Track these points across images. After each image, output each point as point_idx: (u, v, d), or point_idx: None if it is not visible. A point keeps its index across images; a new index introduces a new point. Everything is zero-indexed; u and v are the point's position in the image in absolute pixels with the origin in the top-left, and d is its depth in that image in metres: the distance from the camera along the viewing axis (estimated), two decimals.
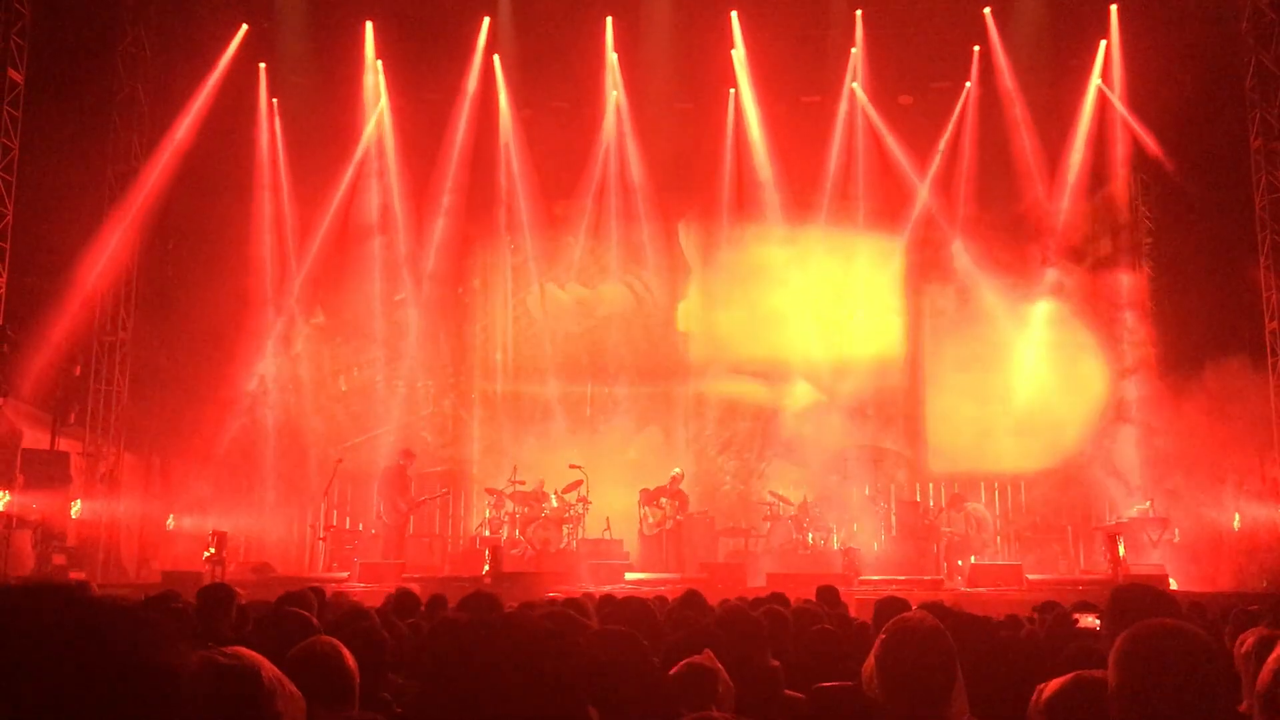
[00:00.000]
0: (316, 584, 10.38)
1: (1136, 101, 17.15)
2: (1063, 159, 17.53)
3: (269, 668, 2.40)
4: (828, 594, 7.46)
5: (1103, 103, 17.58)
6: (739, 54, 18.13)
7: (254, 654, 2.42)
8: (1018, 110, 17.42)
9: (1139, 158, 17.45)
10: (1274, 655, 2.48)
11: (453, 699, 1.90)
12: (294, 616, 4.28)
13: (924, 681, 2.92)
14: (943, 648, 2.97)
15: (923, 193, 18.15)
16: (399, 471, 15.95)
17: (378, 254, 18.80)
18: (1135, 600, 3.19)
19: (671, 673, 3.26)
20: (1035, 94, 17.46)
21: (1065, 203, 17.57)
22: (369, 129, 18.64)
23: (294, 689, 2.47)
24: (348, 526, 16.82)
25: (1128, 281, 17.96)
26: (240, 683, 2.33)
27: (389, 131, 18.71)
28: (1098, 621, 4.76)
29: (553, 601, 7.08)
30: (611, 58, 18.28)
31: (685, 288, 19.17)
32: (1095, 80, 17.55)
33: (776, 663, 4.05)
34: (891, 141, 18.09)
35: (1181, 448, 16.07)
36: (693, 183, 18.63)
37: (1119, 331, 17.82)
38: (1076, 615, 4.77)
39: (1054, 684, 2.88)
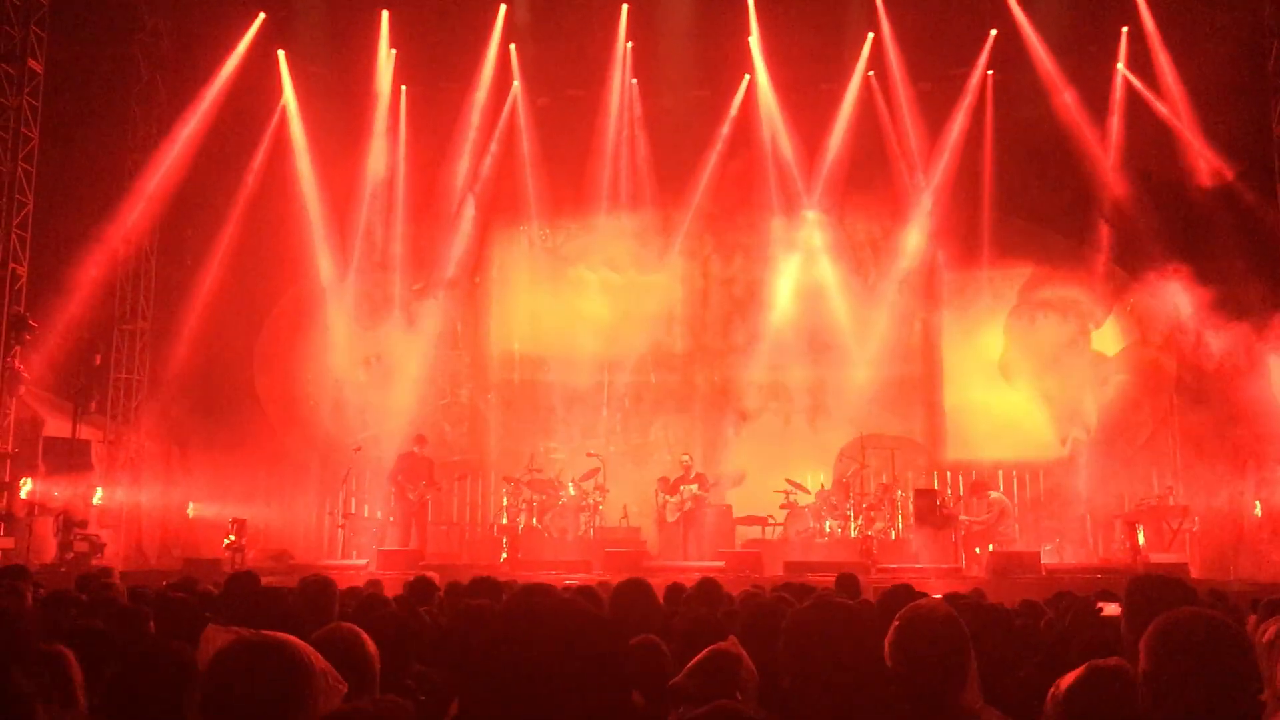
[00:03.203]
0: (334, 571, 10.42)
1: (1161, 86, 16.96)
2: (1082, 145, 17.32)
3: (308, 652, 2.39)
4: (848, 582, 7.43)
5: (1125, 87, 17.39)
6: (755, 40, 18.05)
7: (294, 638, 2.42)
8: (1048, 96, 17.24)
9: (1159, 144, 17.26)
10: None
11: (496, 688, 1.89)
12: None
13: (937, 668, 2.92)
14: (956, 635, 2.98)
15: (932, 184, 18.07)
16: (413, 458, 16.02)
17: (400, 243, 18.82)
18: (1154, 590, 3.18)
19: (696, 660, 3.26)
20: (1054, 78, 17.27)
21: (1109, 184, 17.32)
22: (384, 117, 18.62)
23: (336, 681, 2.45)
24: (366, 514, 16.90)
25: (1145, 268, 17.81)
26: (279, 665, 2.32)
27: (404, 120, 18.70)
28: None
29: (568, 589, 7.08)
30: (626, 45, 18.24)
31: (703, 274, 19.12)
32: (1123, 71, 17.36)
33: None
34: (909, 127, 17.96)
35: (1202, 434, 15.97)
36: (710, 169, 18.53)
37: (1137, 317, 17.69)
38: (1101, 605, 4.75)
39: (1069, 677, 2.88)
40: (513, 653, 1.87)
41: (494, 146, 18.66)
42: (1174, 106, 16.64)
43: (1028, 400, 17.81)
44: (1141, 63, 17.14)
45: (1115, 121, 17.24)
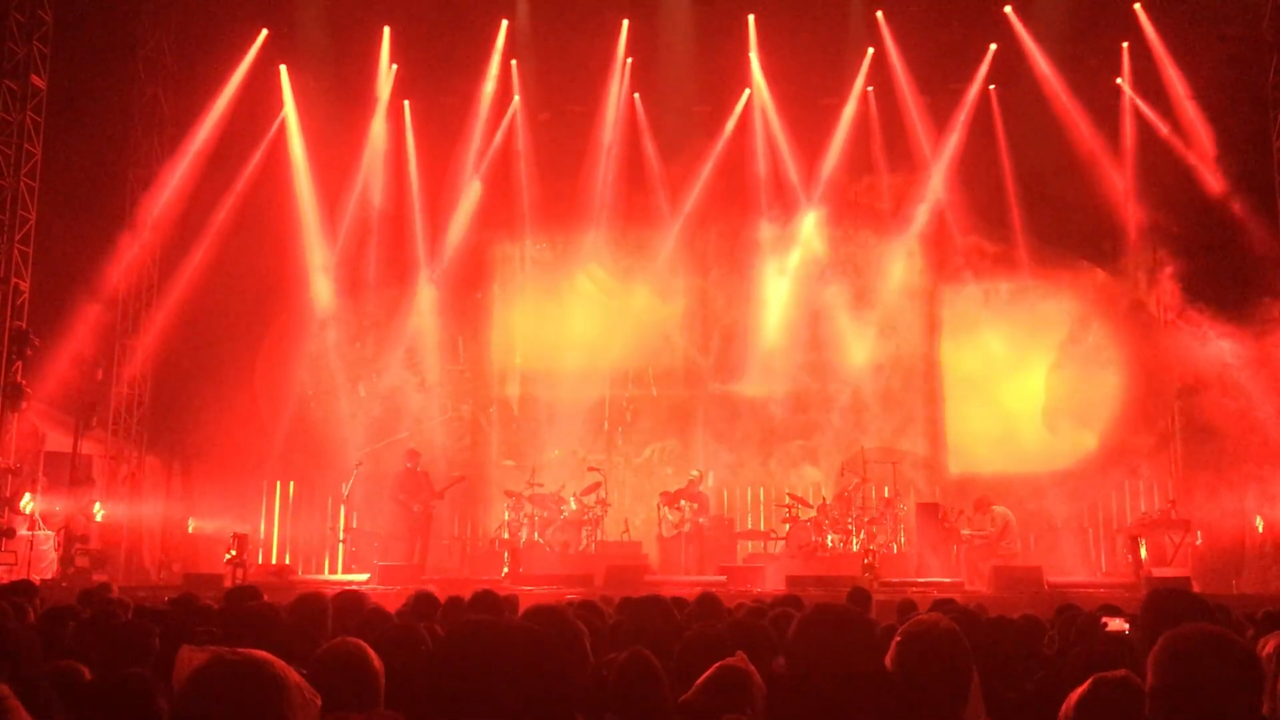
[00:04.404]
0: (335, 586, 10.41)
1: (1156, 100, 17.03)
2: (1083, 157, 17.36)
3: (283, 669, 2.41)
4: (859, 597, 7.39)
5: (1124, 102, 17.46)
6: (755, 57, 18.14)
7: (268, 655, 2.43)
8: (1040, 108, 17.30)
9: (1158, 157, 17.30)
10: None
11: (454, 701, 1.94)
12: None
13: (939, 683, 2.92)
14: (958, 650, 2.97)
15: (936, 190, 18.09)
16: (407, 474, 16.04)
17: (420, 261, 18.81)
18: (1171, 605, 3.19)
19: (705, 676, 3.25)
20: (1055, 91, 17.33)
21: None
22: (382, 132, 18.67)
23: (312, 695, 2.47)
24: (367, 530, 16.89)
25: (1147, 283, 17.85)
26: (253, 682, 2.33)
27: (411, 134, 18.76)
28: (1127, 625, 4.74)
29: (570, 604, 7.07)
30: (627, 61, 18.30)
31: (704, 288, 19.13)
32: (1125, 85, 17.42)
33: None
34: (920, 137, 18.01)
35: (1203, 448, 15.96)
36: (710, 184, 18.59)
37: (1138, 331, 17.70)
38: (1105, 619, 4.76)
39: (1076, 693, 2.88)
40: (467, 669, 1.92)
41: (489, 157, 18.71)
42: (1177, 122, 16.71)
43: (1031, 413, 17.79)
44: (1142, 77, 17.21)
45: (1128, 138, 17.27)
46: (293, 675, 2.38)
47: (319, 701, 2.47)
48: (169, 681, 3.47)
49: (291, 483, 17.95)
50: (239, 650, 2.40)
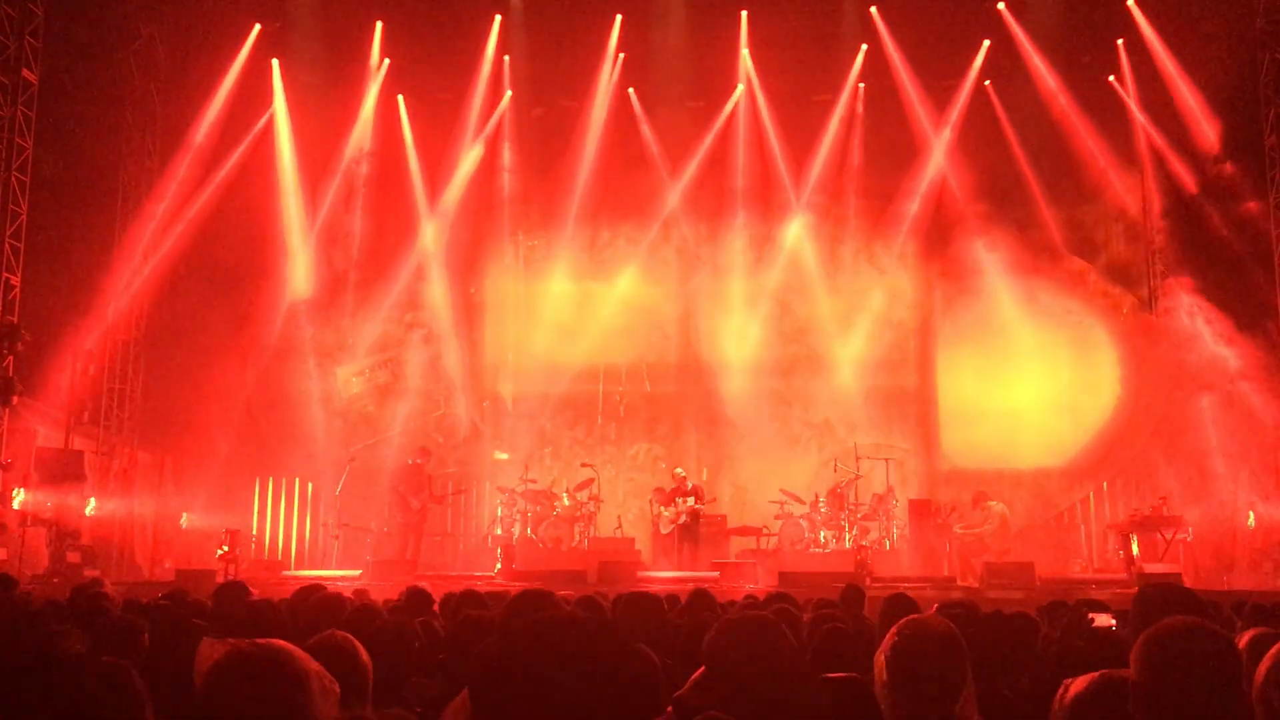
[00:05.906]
0: (325, 582, 10.37)
1: (1151, 98, 17.07)
2: (1077, 155, 17.40)
3: (303, 658, 2.40)
4: (852, 594, 7.36)
5: (1117, 100, 17.50)
6: (747, 53, 18.12)
7: (288, 645, 2.42)
8: (1031, 105, 17.34)
9: (1153, 155, 17.34)
10: (1269, 657, 2.52)
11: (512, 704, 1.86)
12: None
13: (934, 682, 2.91)
14: (954, 649, 2.96)
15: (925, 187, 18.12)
16: (415, 470, 15.98)
17: (415, 254, 18.78)
18: (1162, 600, 3.18)
19: (699, 672, 3.25)
20: (1049, 89, 17.36)
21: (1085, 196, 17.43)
22: (370, 128, 18.63)
23: (331, 683, 2.46)
24: (359, 525, 16.85)
25: (1143, 279, 17.90)
26: (275, 673, 2.32)
27: (406, 129, 18.71)
28: (1113, 621, 4.74)
29: (567, 599, 7.07)
30: (620, 56, 18.27)
31: (696, 284, 19.12)
32: (1120, 86, 17.46)
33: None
34: (907, 133, 18.00)
35: (1196, 445, 16.01)
36: (703, 179, 18.59)
37: (1132, 328, 17.74)
38: (1092, 615, 4.75)
39: (1080, 682, 2.86)
40: (527, 667, 1.87)
41: (479, 150, 18.67)
42: (1173, 119, 16.75)
43: (1023, 410, 17.81)
44: (1137, 74, 17.25)
45: (1139, 141, 17.31)
46: (312, 664, 2.37)
47: (337, 689, 2.47)
48: (159, 675, 3.44)
49: (284, 478, 17.89)
50: (258, 641, 2.39)
